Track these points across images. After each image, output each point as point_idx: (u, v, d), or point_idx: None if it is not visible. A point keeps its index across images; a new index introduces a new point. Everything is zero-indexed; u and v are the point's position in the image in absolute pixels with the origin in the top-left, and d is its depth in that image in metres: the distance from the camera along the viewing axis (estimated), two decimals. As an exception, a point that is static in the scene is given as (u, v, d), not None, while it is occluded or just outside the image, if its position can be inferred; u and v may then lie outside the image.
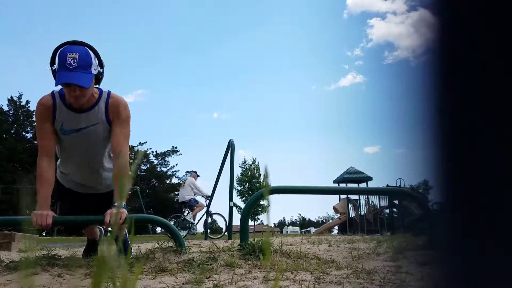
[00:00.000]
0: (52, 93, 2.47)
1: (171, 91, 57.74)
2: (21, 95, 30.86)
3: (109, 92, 2.50)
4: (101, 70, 2.42)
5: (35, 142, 27.53)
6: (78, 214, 2.75)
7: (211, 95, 59.12)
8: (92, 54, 2.34)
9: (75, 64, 2.23)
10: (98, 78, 2.43)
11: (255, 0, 59.88)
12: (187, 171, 10.10)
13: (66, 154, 2.63)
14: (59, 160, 2.73)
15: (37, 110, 2.48)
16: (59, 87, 2.38)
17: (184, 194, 9.58)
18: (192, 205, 9.61)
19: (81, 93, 2.30)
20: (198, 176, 10.09)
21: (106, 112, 2.48)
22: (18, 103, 30.73)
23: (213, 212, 9.24)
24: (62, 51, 2.29)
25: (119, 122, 2.47)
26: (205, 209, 9.26)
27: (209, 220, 9.06)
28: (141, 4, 54.99)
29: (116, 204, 2.46)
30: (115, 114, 2.48)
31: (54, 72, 2.32)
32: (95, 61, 2.35)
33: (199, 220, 9.79)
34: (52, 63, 2.36)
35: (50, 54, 2.37)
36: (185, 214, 9.62)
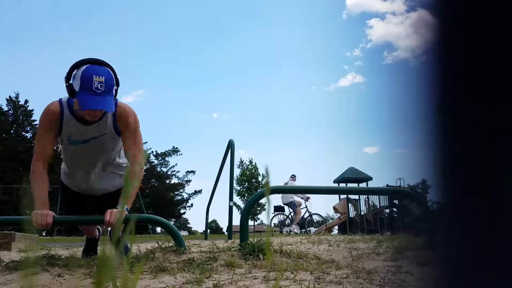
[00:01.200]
0: (60, 101, 2.40)
1: (171, 91, 57.64)
2: (18, 94, 30.76)
3: (116, 101, 2.45)
4: (117, 88, 2.38)
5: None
6: (84, 214, 2.77)
7: (211, 95, 58.99)
8: (113, 75, 2.31)
9: (102, 88, 2.20)
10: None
11: (255, 0, 59.89)
12: (292, 175, 11.37)
13: (73, 161, 2.62)
14: (63, 164, 2.71)
15: (44, 116, 2.40)
16: (66, 95, 2.34)
17: (287, 197, 10.55)
18: (294, 206, 10.68)
19: (101, 114, 2.33)
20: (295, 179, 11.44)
21: (114, 123, 2.46)
22: (16, 102, 30.66)
23: (312, 212, 10.98)
24: (88, 71, 2.22)
25: (129, 132, 2.46)
26: (305, 209, 10.79)
27: (308, 219, 10.91)
28: (140, 4, 55.01)
29: (118, 206, 2.47)
30: (124, 125, 2.46)
31: (70, 88, 2.25)
32: (114, 82, 2.33)
33: (301, 219, 11.09)
34: (68, 78, 2.27)
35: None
36: (287, 214, 10.92)
